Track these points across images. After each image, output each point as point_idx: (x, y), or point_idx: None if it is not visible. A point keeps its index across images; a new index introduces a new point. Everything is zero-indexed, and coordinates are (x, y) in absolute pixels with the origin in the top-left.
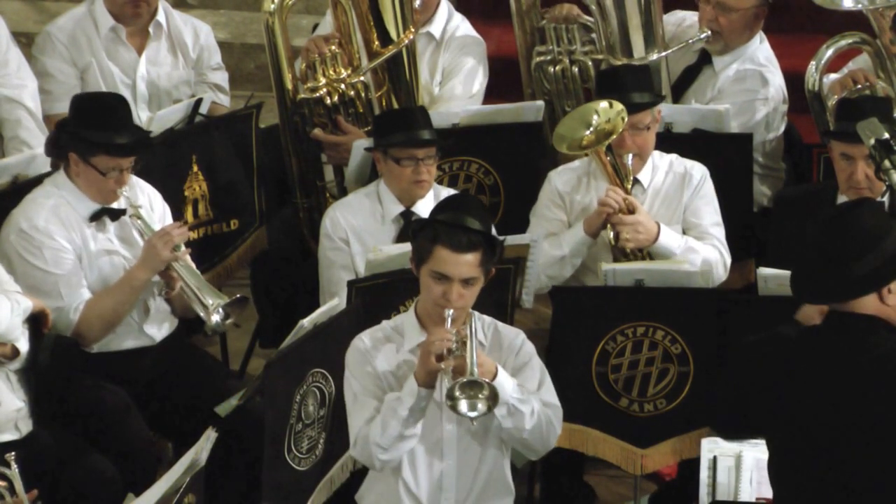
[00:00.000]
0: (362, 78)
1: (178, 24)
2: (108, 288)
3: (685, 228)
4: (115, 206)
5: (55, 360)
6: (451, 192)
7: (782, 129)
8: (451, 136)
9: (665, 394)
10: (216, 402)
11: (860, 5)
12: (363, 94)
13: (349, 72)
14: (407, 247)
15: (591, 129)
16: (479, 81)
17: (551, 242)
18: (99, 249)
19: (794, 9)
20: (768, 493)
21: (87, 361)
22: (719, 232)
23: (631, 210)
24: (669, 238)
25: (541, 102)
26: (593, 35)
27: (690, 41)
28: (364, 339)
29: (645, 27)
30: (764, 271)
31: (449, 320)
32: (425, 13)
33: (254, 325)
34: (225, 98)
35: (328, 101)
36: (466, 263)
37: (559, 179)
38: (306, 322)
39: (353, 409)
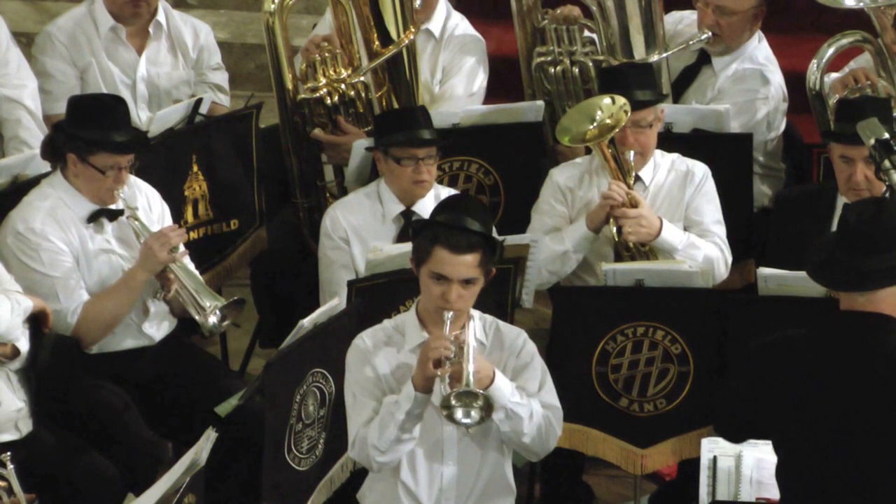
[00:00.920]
0: (362, 78)
1: (177, 24)
2: (107, 290)
3: (686, 226)
4: (112, 206)
5: (55, 360)
6: (452, 191)
7: (782, 127)
8: (452, 136)
9: (665, 394)
10: (216, 402)
11: (862, 3)
12: (363, 94)
13: (349, 72)
14: (407, 247)
15: (595, 123)
16: (480, 81)
17: (553, 237)
18: (96, 250)
19: (794, 9)
20: (768, 493)
21: (87, 361)
22: (721, 230)
23: (634, 205)
24: (672, 234)
25: (541, 102)
26: (594, 36)
27: (691, 43)
28: (365, 339)
29: (645, 28)
30: (764, 271)
31: (448, 323)
32: (425, 12)
33: (254, 325)
34: (225, 98)
35: (328, 101)
36: (465, 264)
37: (561, 175)
38: (306, 322)
39: (352, 410)
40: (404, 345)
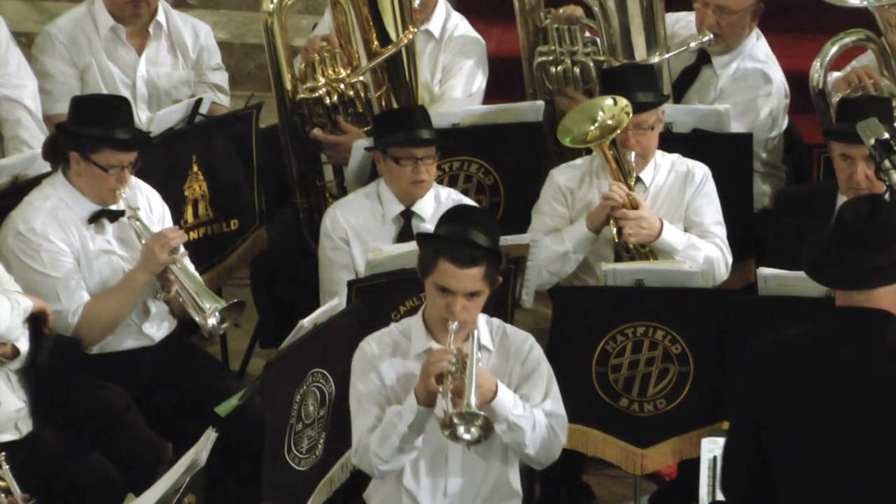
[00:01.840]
0: (362, 78)
1: (177, 24)
2: (107, 291)
3: (687, 227)
4: (113, 207)
5: (55, 360)
6: (452, 191)
7: (785, 124)
8: (451, 136)
9: (665, 394)
10: (216, 402)
11: (866, 2)
12: (363, 94)
13: (348, 72)
14: (407, 246)
15: (596, 124)
16: (479, 82)
17: (553, 238)
18: (97, 251)
19: (794, 8)
20: None
21: (87, 361)
22: (721, 231)
23: (634, 206)
24: (672, 235)
25: (541, 102)
26: (595, 37)
27: (692, 45)
28: (371, 344)
29: (646, 29)
30: (764, 271)
31: (452, 334)
32: (423, 12)
33: (254, 326)
34: (225, 98)
35: (328, 100)
36: (470, 277)
37: (561, 176)
38: (306, 322)
39: (356, 415)
40: (410, 350)
